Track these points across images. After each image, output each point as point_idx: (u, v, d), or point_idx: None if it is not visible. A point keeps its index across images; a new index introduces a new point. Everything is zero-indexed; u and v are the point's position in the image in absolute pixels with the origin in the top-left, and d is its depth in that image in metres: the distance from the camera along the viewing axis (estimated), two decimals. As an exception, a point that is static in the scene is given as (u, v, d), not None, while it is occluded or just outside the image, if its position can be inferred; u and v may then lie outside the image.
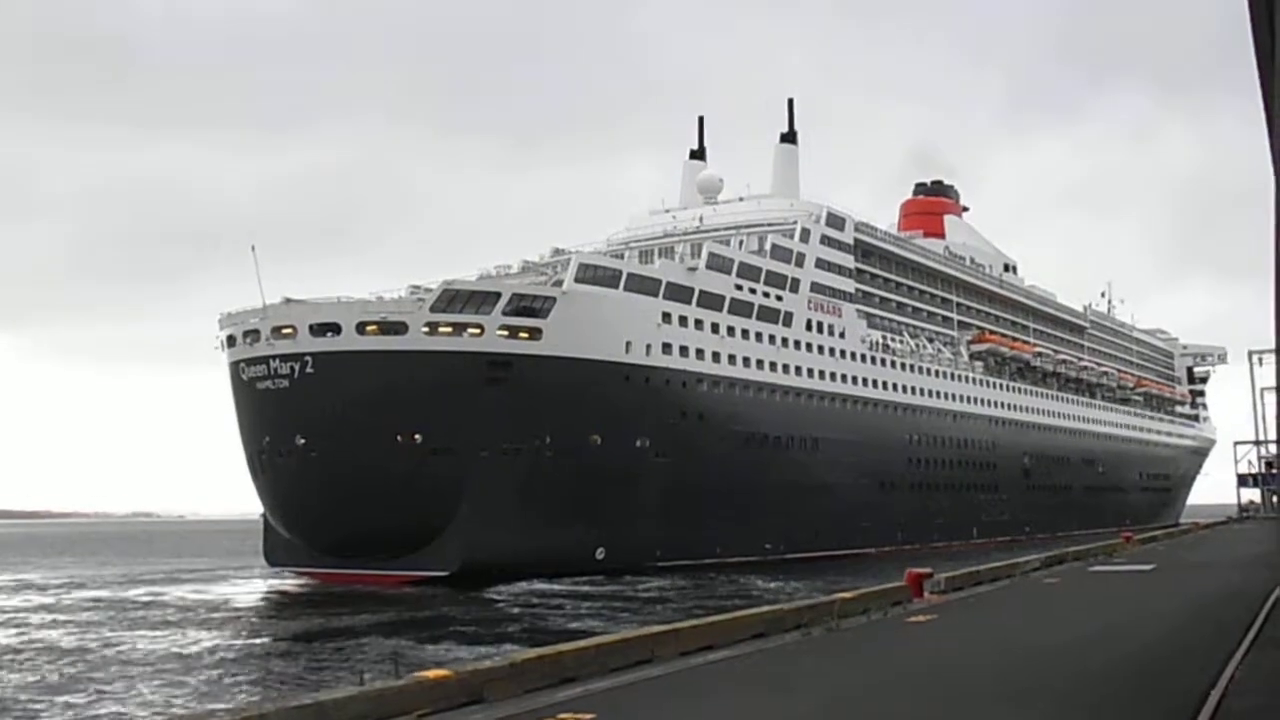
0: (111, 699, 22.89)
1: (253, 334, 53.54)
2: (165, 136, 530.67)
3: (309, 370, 51.23)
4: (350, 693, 10.28)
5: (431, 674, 11.26)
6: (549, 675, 12.37)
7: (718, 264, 64.23)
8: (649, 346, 57.57)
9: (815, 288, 72.13)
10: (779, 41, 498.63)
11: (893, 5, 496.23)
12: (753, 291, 66.15)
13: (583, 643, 14.09)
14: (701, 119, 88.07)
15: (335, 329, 51.46)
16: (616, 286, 57.46)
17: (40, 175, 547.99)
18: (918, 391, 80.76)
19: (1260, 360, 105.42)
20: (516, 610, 39.92)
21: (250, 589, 53.02)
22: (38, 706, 22.25)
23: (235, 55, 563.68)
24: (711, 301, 62.51)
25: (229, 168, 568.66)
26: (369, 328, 51.34)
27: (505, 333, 52.45)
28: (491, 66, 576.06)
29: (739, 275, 65.51)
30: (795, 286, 70.09)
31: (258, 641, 33.61)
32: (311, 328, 51.66)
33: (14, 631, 35.50)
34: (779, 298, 68.32)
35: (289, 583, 54.64)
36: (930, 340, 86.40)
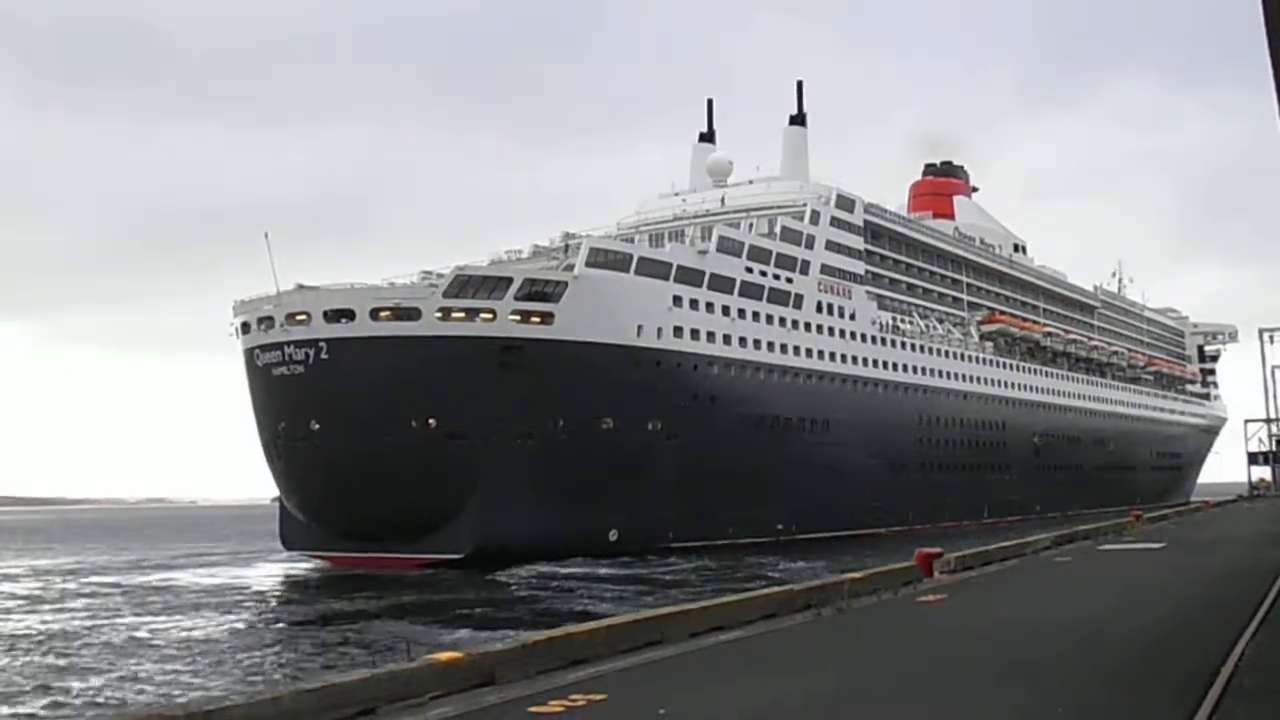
0: (126, 681, 23.14)
1: (267, 320, 53.77)
2: (180, 129, 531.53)
3: (323, 356, 51.50)
4: (363, 675, 10.38)
5: (443, 656, 11.35)
6: (560, 657, 12.47)
7: (728, 247, 64.22)
8: (660, 330, 57.63)
9: (825, 270, 72.09)
10: (790, 28, 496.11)
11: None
12: (763, 274, 66.14)
13: (593, 624, 14.19)
14: (710, 101, 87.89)
15: (349, 315, 51.68)
16: (627, 270, 57.51)
17: (54, 165, 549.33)
18: (928, 372, 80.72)
19: (1271, 338, 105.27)
20: (529, 593, 40.16)
21: (266, 572, 53.49)
22: (52, 689, 22.50)
23: (250, 48, 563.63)
24: (722, 284, 62.51)
25: (244, 159, 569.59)
26: (382, 314, 51.55)
27: (517, 317, 52.59)
28: (503, 58, 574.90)
29: (749, 258, 65.50)
30: (805, 269, 70.05)
31: (272, 624, 33.99)
32: (325, 314, 51.89)
33: (36, 617, 35.88)
34: (789, 280, 68.30)
35: (304, 566, 55.10)
36: (940, 321, 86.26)
